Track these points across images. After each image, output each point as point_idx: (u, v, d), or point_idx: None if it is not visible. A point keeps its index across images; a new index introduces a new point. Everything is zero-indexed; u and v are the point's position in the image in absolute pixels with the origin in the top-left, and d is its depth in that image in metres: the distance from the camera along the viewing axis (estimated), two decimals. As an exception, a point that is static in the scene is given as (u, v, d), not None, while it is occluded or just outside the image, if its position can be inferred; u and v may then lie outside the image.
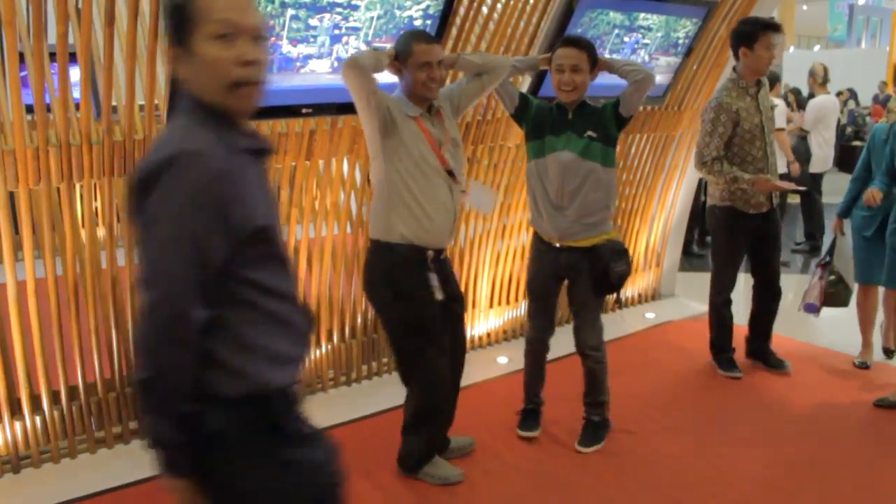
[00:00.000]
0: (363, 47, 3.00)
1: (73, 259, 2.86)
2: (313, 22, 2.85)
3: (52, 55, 2.57)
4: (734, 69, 3.74)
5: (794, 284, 5.64)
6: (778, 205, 3.88)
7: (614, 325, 4.62)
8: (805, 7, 23.82)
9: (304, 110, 3.01)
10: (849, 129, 12.24)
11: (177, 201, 1.31)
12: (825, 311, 4.09)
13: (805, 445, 3.27)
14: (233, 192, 1.35)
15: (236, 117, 1.43)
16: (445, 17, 3.24)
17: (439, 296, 2.75)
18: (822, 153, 6.75)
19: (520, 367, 3.35)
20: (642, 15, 3.92)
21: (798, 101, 8.01)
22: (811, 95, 7.15)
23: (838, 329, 4.57)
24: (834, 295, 4.04)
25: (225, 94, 1.38)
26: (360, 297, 3.68)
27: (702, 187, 5.98)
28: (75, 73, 2.61)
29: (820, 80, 6.67)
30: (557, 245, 3.08)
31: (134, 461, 2.96)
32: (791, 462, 3.13)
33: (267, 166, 1.55)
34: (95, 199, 3.24)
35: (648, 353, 4.33)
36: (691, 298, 5.15)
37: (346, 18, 2.92)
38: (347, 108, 2.82)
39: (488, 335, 4.32)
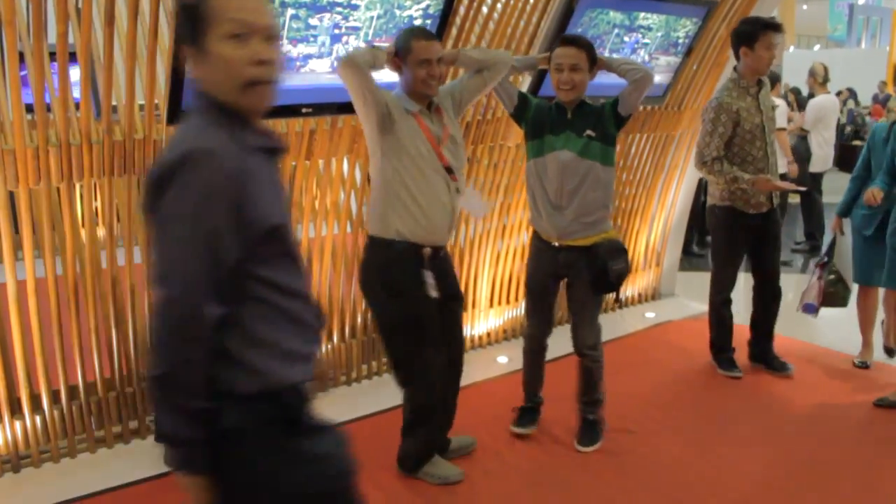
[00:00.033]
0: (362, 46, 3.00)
1: (73, 259, 2.86)
2: (313, 21, 2.85)
3: (52, 55, 2.57)
4: (735, 69, 3.74)
5: (794, 284, 5.63)
6: (778, 205, 3.88)
7: (614, 324, 4.62)
8: (805, 7, 23.84)
9: (304, 110, 3.01)
10: (848, 129, 12.25)
11: (191, 200, 1.32)
12: (825, 311, 4.09)
13: (805, 445, 3.27)
14: (246, 191, 1.36)
15: (250, 116, 1.44)
16: (445, 16, 3.24)
17: (434, 294, 2.74)
18: (822, 153, 6.76)
19: (520, 366, 3.35)
20: (642, 14, 3.92)
21: (798, 101, 8.01)
22: (811, 95, 7.15)
23: (838, 329, 4.56)
24: (833, 295, 4.03)
25: (239, 94, 1.40)
26: (359, 296, 3.67)
27: (702, 187, 5.98)
28: (75, 73, 2.61)
29: (820, 79, 6.67)
30: (556, 244, 3.08)
31: (134, 461, 2.96)
32: (791, 462, 3.13)
33: (280, 165, 1.56)
34: (95, 199, 3.25)
35: (648, 353, 4.33)
36: (691, 298, 5.15)
37: (346, 18, 2.92)
38: (347, 108, 2.82)
39: (488, 335, 4.32)
